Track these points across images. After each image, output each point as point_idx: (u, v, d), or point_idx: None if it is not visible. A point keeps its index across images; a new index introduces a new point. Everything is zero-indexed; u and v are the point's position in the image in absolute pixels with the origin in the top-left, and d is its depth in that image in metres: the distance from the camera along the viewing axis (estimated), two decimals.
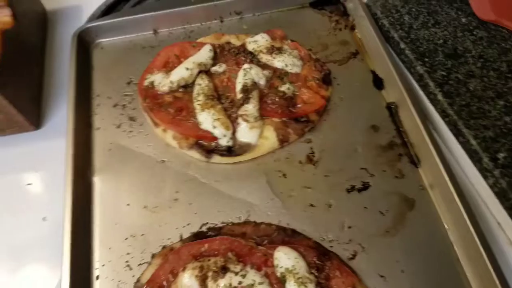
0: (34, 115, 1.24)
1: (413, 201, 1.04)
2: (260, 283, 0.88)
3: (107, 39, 1.38)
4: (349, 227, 1.01)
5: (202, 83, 1.18)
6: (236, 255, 0.94)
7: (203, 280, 0.89)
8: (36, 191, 1.17)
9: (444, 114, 1.12)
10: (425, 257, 0.96)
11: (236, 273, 0.89)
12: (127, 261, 0.99)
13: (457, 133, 1.08)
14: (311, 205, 1.05)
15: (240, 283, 0.88)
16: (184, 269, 0.92)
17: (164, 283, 0.93)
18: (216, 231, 1.02)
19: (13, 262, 1.06)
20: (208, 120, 1.11)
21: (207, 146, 1.14)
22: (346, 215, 1.03)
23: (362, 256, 0.97)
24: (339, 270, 0.91)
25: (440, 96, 1.14)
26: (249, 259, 0.93)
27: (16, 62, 1.17)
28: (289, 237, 0.99)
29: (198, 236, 1.02)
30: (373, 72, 1.28)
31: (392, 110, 1.19)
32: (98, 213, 1.06)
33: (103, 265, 0.99)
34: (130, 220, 1.05)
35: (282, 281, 0.89)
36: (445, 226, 1.00)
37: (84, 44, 1.34)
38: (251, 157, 1.13)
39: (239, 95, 1.15)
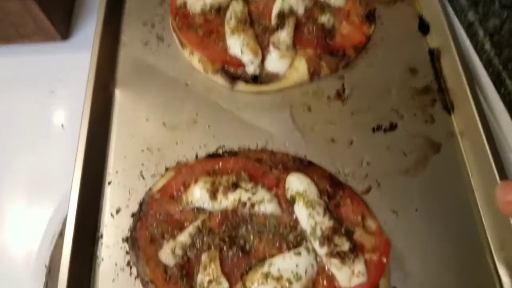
0: (63, 25, 1.40)
1: (439, 146, 1.14)
2: (269, 201, 1.02)
3: None
4: (368, 164, 1.13)
5: (237, 7, 1.31)
6: (249, 175, 1.08)
7: (213, 193, 1.04)
8: (58, 100, 1.34)
9: (488, 64, 1.21)
10: (443, 200, 1.07)
11: (247, 190, 1.03)
12: (141, 171, 1.15)
13: (500, 84, 1.18)
14: (332, 140, 1.17)
15: (249, 198, 1.02)
16: (196, 182, 1.07)
17: (175, 193, 1.08)
18: (232, 154, 1.16)
19: (28, 163, 1.24)
20: (237, 44, 1.24)
21: (232, 73, 1.26)
22: (367, 152, 1.15)
23: (377, 192, 1.09)
24: (350, 199, 1.04)
25: (488, 46, 1.23)
26: (261, 180, 1.07)
27: None
28: (305, 166, 1.12)
29: (213, 157, 1.16)
30: (420, 18, 1.37)
31: (434, 55, 1.29)
32: (117, 124, 1.22)
33: (117, 172, 1.15)
34: (148, 134, 1.20)
35: (291, 203, 1.03)
36: (469, 173, 1.11)
37: None
38: (277, 87, 1.25)
39: (274, 21, 1.27)
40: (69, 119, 1.28)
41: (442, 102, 1.20)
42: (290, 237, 0.98)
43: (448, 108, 1.19)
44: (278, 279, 0.90)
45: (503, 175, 1.03)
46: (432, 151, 1.13)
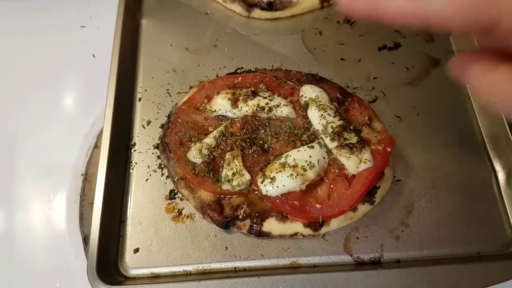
0: None
1: (438, 61, 1.25)
2: (285, 105, 1.13)
3: None
4: (374, 78, 1.24)
5: None
6: (266, 86, 1.19)
7: (234, 102, 1.15)
8: (88, 33, 1.45)
9: None
10: (442, 105, 1.18)
11: (265, 97, 1.15)
12: (167, 89, 1.26)
13: None
14: (342, 59, 1.28)
15: (267, 103, 1.13)
16: (218, 94, 1.18)
17: (199, 104, 1.19)
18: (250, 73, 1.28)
19: (60, 90, 1.37)
20: None
21: (249, 1, 1.37)
22: (374, 68, 1.25)
23: (382, 101, 1.20)
24: (358, 104, 1.15)
25: None
26: (277, 90, 1.18)
27: None
28: (317, 81, 1.23)
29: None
30: None
31: None
32: (144, 49, 1.33)
33: (146, 90, 1.26)
34: (172, 58, 1.31)
35: (305, 108, 1.14)
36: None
37: None
38: (290, 13, 1.36)
39: None
40: (99, 49, 1.38)
41: None
42: (304, 137, 1.09)
43: None
44: (294, 167, 1.02)
45: None
46: (432, 65, 1.24)
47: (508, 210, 1.06)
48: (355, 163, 1.02)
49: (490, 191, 1.08)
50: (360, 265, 1.01)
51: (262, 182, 1.01)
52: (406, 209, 1.05)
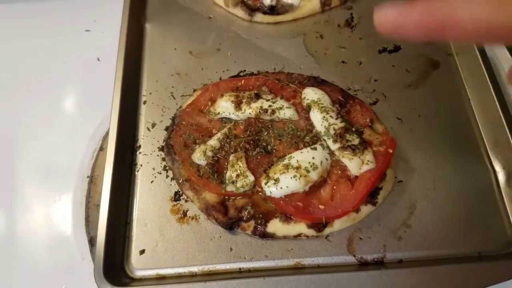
0: None
1: (438, 63, 1.26)
2: (288, 107, 1.13)
3: None
4: (375, 80, 1.24)
5: None
6: (269, 89, 1.19)
7: (238, 104, 1.15)
8: (93, 37, 1.46)
9: None
10: (442, 107, 1.18)
11: (267, 100, 1.15)
12: (171, 92, 1.26)
13: None
14: (343, 62, 1.29)
15: (270, 106, 1.13)
16: (222, 96, 1.19)
17: (203, 107, 1.20)
18: (252, 76, 1.28)
19: (65, 93, 1.37)
20: None
21: (251, 5, 1.38)
22: (374, 71, 1.26)
23: (383, 103, 1.20)
24: (360, 106, 1.15)
25: None
26: (280, 93, 1.18)
27: None
28: (319, 83, 1.23)
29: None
30: None
31: None
32: (148, 53, 1.34)
33: (150, 93, 1.26)
34: (176, 61, 1.31)
35: (307, 110, 1.14)
36: (465, 84, 1.22)
37: None
38: (292, 17, 1.37)
39: None
40: (104, 53, 1.38)
41: None
42: (307, 139, 1.09)
43: None
44: (297, 168, 1.02)
45: (495, 85, 1.13)
46: (432, 68, 1.24)
47: (508, 210, 1.06)
48: (357, 165, 1.02)
49: (491, 192, 1.09)
50: (363, 265, 1.00)
51: (266, 184, 1.01)
52: (408, 209, 1.05)
